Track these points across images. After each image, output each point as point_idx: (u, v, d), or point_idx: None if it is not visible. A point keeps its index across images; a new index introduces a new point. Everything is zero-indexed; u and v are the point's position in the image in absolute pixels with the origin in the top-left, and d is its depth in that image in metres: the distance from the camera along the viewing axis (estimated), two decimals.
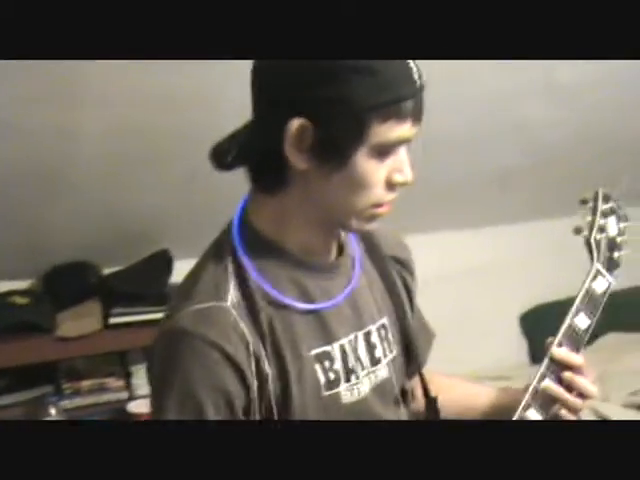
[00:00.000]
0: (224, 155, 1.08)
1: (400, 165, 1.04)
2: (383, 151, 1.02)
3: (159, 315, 2.21)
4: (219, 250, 1.10)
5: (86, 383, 2.48)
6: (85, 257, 2.49)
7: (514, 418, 1.19)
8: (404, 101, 1.00)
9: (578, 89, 2.57)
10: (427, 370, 1.30)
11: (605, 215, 1.29)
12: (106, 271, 2.53)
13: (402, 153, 1.05)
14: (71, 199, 2.28)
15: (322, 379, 1.09)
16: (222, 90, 1.99)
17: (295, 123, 1.00)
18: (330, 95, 0.98)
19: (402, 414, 1.22)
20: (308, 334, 1.09)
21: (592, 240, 1.26)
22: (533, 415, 1.19)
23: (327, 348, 1.11)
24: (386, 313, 1.21)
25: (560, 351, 1.20)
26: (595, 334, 3.35)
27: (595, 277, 1.24)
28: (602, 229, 1.28)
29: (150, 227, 2.48)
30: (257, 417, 1.05)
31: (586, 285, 1.24)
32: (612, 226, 1.29)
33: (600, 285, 1.24)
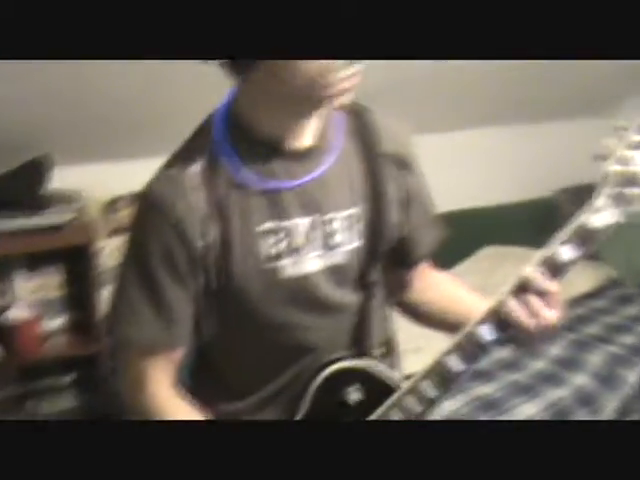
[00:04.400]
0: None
1: None
2: None
3: (34, 221, 2.21)
4: (202, 127, 1.20)
5: None
6: None
7: (464, 332, 1.18)
8: None
9: None
10: (426, 268, 1.39)
11: (636, 147, 1.15)
12: None
13: None
14: None
15: (265, 252, 1.17)
16: None
17: None
18: None
19: (356, 299, 1.26)
20: (260, 210, 1.16)
21: (606, 171, 1.14)
22: (485, 332, 1.17)
23: (276, 224, 1.17)
24: (360, 205, 1.23)
25: (532, 272, 1.15)
26: (473, 247, 3.48)
27: (595, 211, 1.14)
28: (624, 161, 1.14)
29: (32, 133, 2.40)
30: (201, 279, 1.16)
31: (581, 217, 1.14)
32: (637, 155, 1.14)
33: (598, 220, 1.14)
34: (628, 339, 2.87)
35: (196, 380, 1.29)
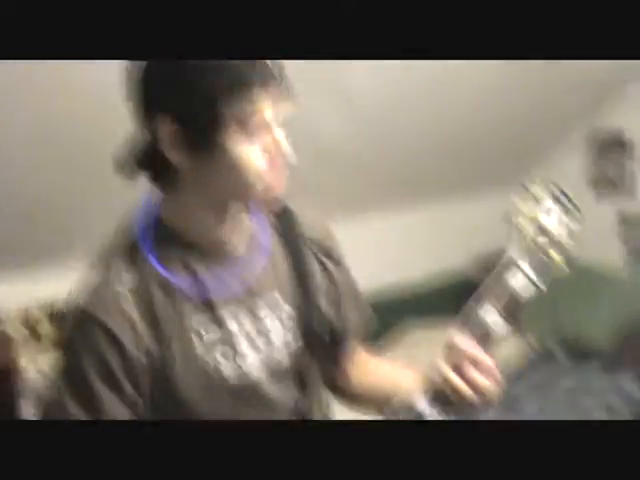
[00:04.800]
0: (125, 165, 1.13)
1: (275, 144, 1.07)
2: (249, 130, 1.05)
3: None
4: (123, 234, 1.16)
5: None
6: None
7: (400, 407, 1.15)
8: (252, 78, 1.03)
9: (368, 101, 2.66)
10: (357, 351, 1.38)
11: (541, 204, 1.18)
12: None
13: (277, 132, 1.07)
14: None
15: (203, 358, 1.14)
16: None
17: (163, 123, 1.05)
18: (184, 88, 1.04)
19: (296, 395, 1.24)
20: (194, 316, 1.14)
21: (514, 230, 1.16)
22: (421, 405, 1.13)
23: (212, 329, 1.15)
24: (290, 300, 1.23)
25: (458, 338, 1.13)
26: (392, 325, 3.37)
27: (508, 270, 1.14)
28: (531, 219, 1.17)
29: None
30: (140, 390, 1.11)
31: (496, 276, 1.14)
32: (551, 219, 1.17)
33: (514, 278, 1.14)
34: None
35: None
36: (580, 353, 3.32)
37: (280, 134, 1.08)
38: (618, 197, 3.45)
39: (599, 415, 2.81)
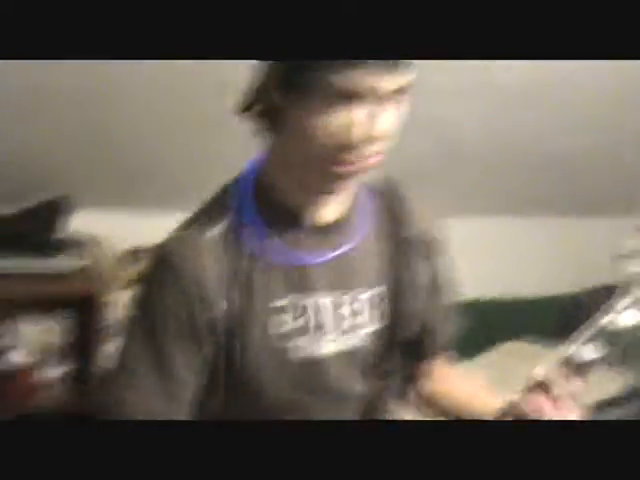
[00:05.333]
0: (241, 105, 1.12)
1: (370, 118, 1.01)
2: (347, 95, 1.00)
3: (44, 265, 2.19)
4: (224, 190, 1.16)
5: None
6: None
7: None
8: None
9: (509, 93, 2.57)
10: (442, 360, 1.34)
11: None
12: None
13: (376, 108, 1.01)
14: None
15: (282, 328, 1.11)
16: None
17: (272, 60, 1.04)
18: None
19: (369, 387, 1.20)
20: (282, 284, 1.12)
21: (630, 271, 1.10)
22: None
23: (296, 300, 1.13)
24: (383, 286, 1.20)
25: (551, 372, 1.09)
26: (495, 340, 3.40)
27: (618, 311, 1.10)
28: None
29: (54, 174, 2.40)
30: (210, 350, 1.09)
31: (604, 317, 1.10)
32: None
33: (622, 320, 1.09)
34: None
35: None
36: None
37: (379, 110, 1.01)
38: None
39: None
